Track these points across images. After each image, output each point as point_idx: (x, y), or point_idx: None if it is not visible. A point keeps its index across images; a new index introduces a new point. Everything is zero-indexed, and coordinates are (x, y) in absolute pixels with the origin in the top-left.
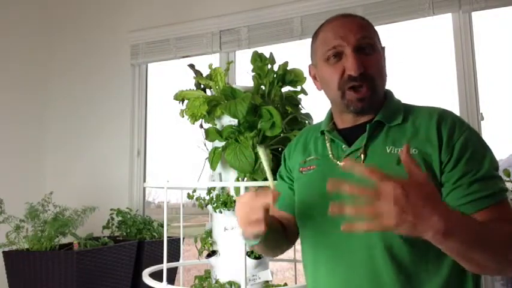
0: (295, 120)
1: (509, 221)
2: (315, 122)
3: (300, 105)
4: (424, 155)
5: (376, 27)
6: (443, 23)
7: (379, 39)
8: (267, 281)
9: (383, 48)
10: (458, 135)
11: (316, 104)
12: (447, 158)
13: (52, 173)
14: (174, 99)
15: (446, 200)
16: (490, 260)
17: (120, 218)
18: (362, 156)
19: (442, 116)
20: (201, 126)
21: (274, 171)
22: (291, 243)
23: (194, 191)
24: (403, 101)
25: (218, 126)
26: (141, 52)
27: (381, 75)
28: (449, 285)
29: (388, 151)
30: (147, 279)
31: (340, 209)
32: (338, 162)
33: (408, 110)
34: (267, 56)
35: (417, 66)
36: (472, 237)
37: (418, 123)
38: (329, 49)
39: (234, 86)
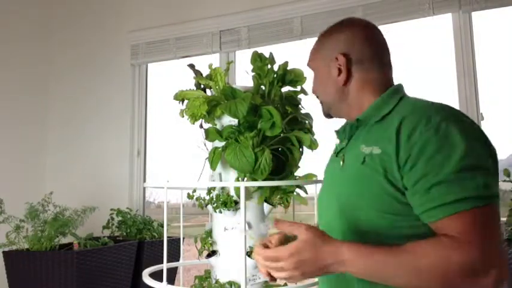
0: (295, 120)
1: (460, 242)
2: (314, 122)
3: (300, 105)
4: (384, 156)
5: None
6: (443, 23)
7: (335, 46)
8: (267, 281)
9: (343, 54)
10: (418, 135)
11: (316, 104)
12: (404, 160)
13: (52, 173)
14: (174, 99)
15: (412, 205)
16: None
17: (120, 218)
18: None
19: (409, 114)
20: (201, 126)
21: (274, 171)
22: None
23: (194, 191)
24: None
25: (218, 126)
26: (141, 52)
27: (324, 91)
28: None
29: (360, 149)
30: (147, 279)
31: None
32: (336, 156)
33: (402, 106)
34: (267, 56)
35: (417, 66)
36: (373, 270)
37: (394, 120)
38: None
39: (234, 86)
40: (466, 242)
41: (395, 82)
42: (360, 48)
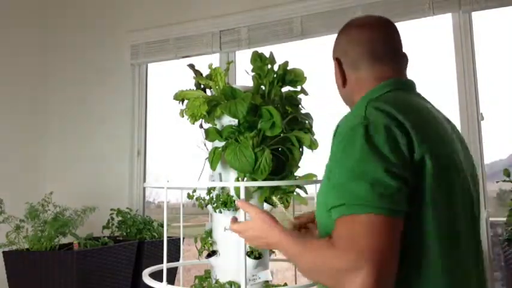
0: (295, 120)
1: (328, 245)
2: (314, 122)
3: (300, 105)
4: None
5: None
6: (443, 23)
7: (334, 52)
8: (267, 281)
9: (336, 59)
10: (332, 143)
11: (316, 104)
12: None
13: (52, 173)
14: (174, 99)
15: None
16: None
17: (120, 218)
18: None
19: (339, 123)
20: (201, 126)
21: (274, 171)
22: None
23: (194, 191)
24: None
25: (218, 126)
26: (141, 52)
27: (337, 88)
28: None
29: None
30: (147, 279)
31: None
32: None
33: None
34: (267, 56)
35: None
36: (289, 257)
37: None
38: None
39: (234, 86)
40: (336, 245)
41: None
42: (352, 50)
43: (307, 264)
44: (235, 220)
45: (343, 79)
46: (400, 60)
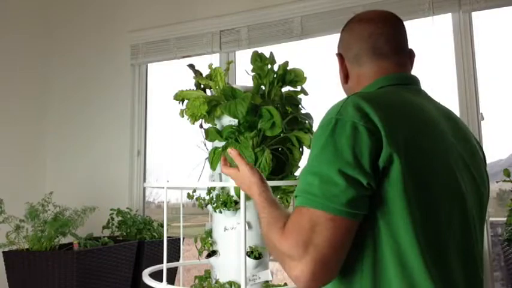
0: (295, 120)
1: (282, 227)
2: (314, 122)
3: (300, 105)
4: None
5: None
6: (443, 23)
7: (338, 47)
8: (267, 281)
9: (338, 55)
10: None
11: (316, 104)
12: None
13: (52, 173)
14: (174, 99)
15: None
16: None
17: (120, 218)
18: None
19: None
20: (201, 126)
21: (274, 171)
22: None
23: (194, 191)
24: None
25: (218, 126)
26: (141, 52)
27: (341, 81)
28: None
29: None
30: (147, 279)
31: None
32: None
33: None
34: (267, 56)
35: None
36: (258, 215)
37: None
38: None
39: (234, 86)
40: (285, 230)
41: None
42: (354, 45)
43: (264, 233)
44: (226, 162)
45: (345, 75)
46: (404, 55)
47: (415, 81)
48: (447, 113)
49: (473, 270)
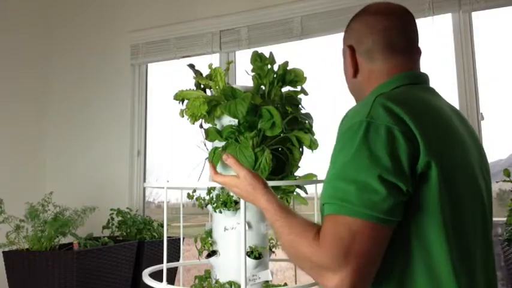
0: (295, 120)
1: (314, 238)
2: (314, 122)
3: (300, 105)
4: None
5: None
6: (443, 23)
7: (347, 38)
8: (267, 281)
9: (349, 47)
10: (337, 132)
11: (316, 104)
12: None
13: (52, 173)
14: (174, 99)
15: None
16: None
17: (120, 218)
18: None
19: (347, 113)
20: (201, 126)
21: (274, 171)
22: None
23: (194, 191)
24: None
25: (218, 126)
26: (141, 52)
27: (347, 84)
28: None
29: None
30: (147, 279)
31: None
32: None
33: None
34: (267, 56)
35: None
36: (271, 227)
37: None
38: None
39: (234, 86)
40: (320, 241)
41: None
42: (367, 38)
43: (289, 244)
44: (216, 171)
45: (355, 69)
46: (416, 52)
47: (428, 79)
48: (457, 112)
49: (492, 277)
